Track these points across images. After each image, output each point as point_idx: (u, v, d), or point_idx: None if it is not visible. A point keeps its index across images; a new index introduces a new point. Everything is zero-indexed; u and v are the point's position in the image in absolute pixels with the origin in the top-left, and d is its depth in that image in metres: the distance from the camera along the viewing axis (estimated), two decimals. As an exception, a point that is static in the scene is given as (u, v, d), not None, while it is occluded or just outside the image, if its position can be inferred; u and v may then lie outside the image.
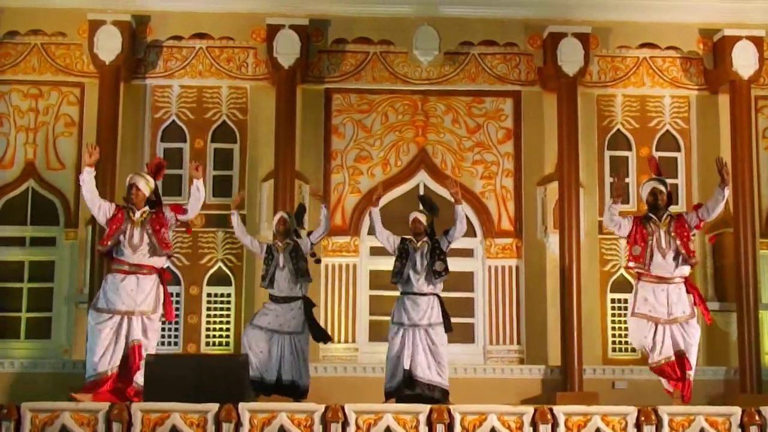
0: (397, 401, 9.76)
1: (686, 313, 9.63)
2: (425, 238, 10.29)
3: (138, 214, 9.60)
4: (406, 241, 10.33)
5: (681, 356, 9.63)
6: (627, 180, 12.52)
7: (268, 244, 10.59)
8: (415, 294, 10.16)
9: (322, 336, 10.53)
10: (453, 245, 10.42)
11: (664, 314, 9.59)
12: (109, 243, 9.50)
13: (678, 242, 9.61)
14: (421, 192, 12.32)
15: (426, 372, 10.00)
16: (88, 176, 9.56)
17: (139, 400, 8.90)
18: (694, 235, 9.96)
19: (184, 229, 10.83)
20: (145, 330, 9.45)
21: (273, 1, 12.31)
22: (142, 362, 9.19)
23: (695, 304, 9.77)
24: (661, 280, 9.64)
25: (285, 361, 10.20)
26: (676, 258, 9.63)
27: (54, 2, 12.15)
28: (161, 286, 9.61)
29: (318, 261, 10.89)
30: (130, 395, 9.24)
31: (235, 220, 10.54)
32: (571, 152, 12.20)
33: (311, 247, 10.54)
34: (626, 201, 12.36)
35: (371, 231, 10.88)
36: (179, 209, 9.77)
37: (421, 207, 10.52)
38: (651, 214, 9.81)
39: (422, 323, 10.10)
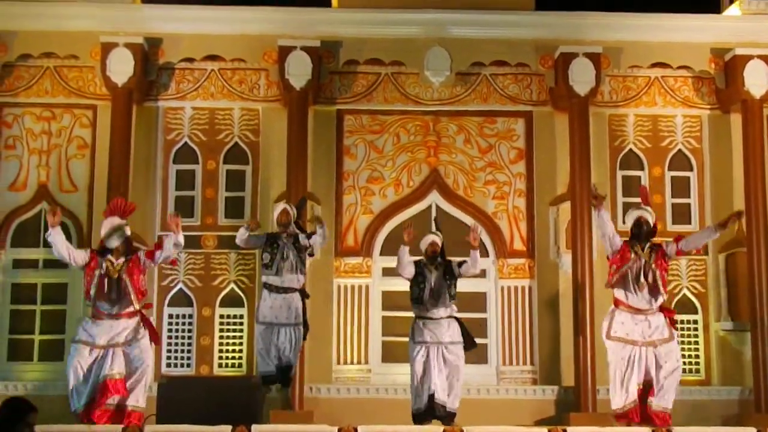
0: (422, 424, 9.75)
1: (664, 336, 9.50)
2: (439, 260, 10.26)
3: (116, 264, 9.46)
4: (420, 263, 10.28)
5: (647, 386, 9.47)
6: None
7: (268, 233, 10.67)
8: (431, 319, 10.11)
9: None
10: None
11: (641, 336, 9.48)
12: (92, 294, 9.38)
13: (657, 274, 9.51)
14: (434, 213, 12.33)
15: (440, 393, 9.97)
16: (55, 237, 9.40)
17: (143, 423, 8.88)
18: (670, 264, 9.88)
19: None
20: (128, 362, 9.28)
21: (284, 23, 12.34)
22: (112, 398, 9.10)
23: (671, 324, 9.64)
24: (639, 311, 9.55)
25: (285, 349, 10.29)
26: (651, 292, 9.51)
27: (66, 25, 12.19)
28: (140, 319, 9.48)
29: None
30: (134, 420, 9.14)
31: (241, 232, 10.52)
32: (584, 172, 12.17)
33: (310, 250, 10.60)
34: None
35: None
36: (151, 255, 9.59)
37: (434, 228, 10.52)
38: (635, 242, 9.70)
39: (444, 340, 10.06)
